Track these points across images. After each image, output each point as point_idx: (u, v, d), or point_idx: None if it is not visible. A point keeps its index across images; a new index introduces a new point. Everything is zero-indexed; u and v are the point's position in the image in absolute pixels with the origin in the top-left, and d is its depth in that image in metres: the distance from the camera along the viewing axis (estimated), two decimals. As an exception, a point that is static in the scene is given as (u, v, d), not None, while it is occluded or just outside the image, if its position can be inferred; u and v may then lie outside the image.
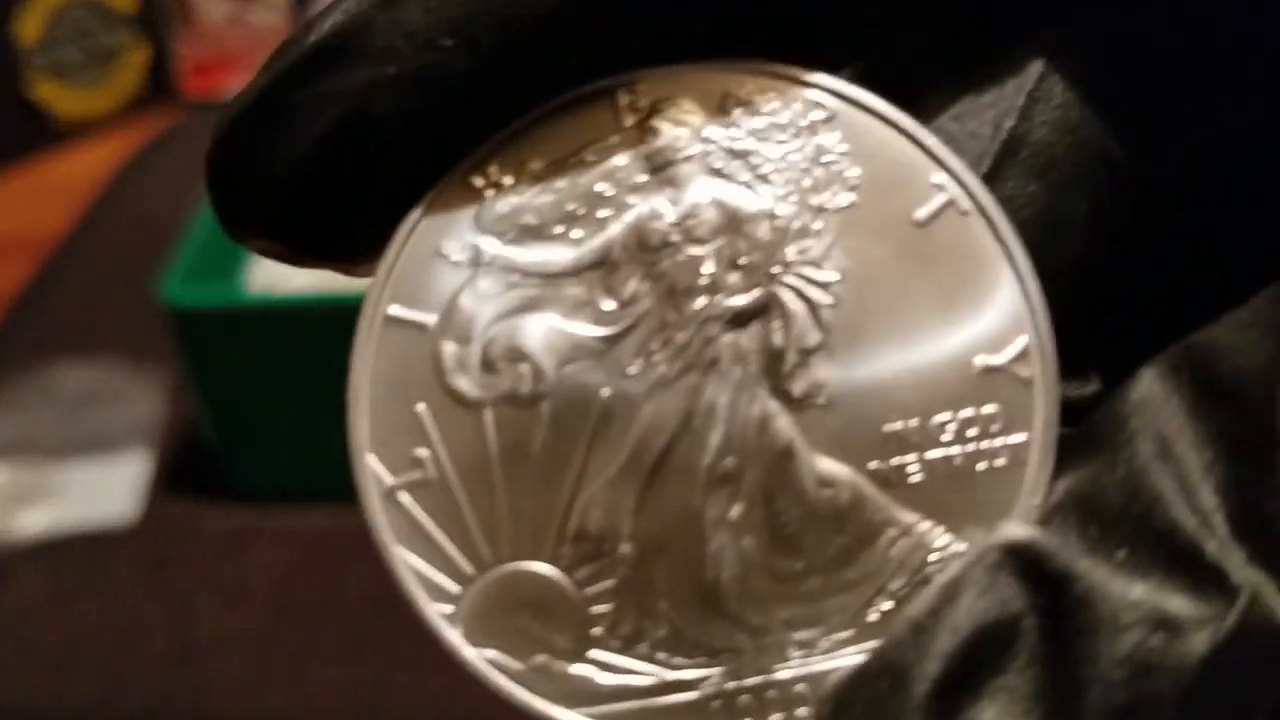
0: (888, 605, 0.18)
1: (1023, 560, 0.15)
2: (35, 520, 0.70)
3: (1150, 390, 0.17)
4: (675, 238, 0.18)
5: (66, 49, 1.06)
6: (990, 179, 0.18)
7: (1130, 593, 0.15)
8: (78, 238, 0.96)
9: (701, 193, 0.18)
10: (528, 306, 0.18)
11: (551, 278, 0.18)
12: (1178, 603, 0.15)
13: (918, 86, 0.19)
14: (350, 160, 0.17)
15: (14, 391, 0.79)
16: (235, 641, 0.63)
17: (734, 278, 0.18)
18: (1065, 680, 0.15)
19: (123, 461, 0.74)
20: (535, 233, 0.18)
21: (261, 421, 0.67)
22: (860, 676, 0.15)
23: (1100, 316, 0.19)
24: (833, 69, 0.18)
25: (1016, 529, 0.16)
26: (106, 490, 0.72)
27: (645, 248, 0.18)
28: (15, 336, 0.85)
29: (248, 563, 0.67)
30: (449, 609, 0.18)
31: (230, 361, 0.67)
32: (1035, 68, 0.19)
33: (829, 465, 0.18)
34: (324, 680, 0.61)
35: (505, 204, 0.18)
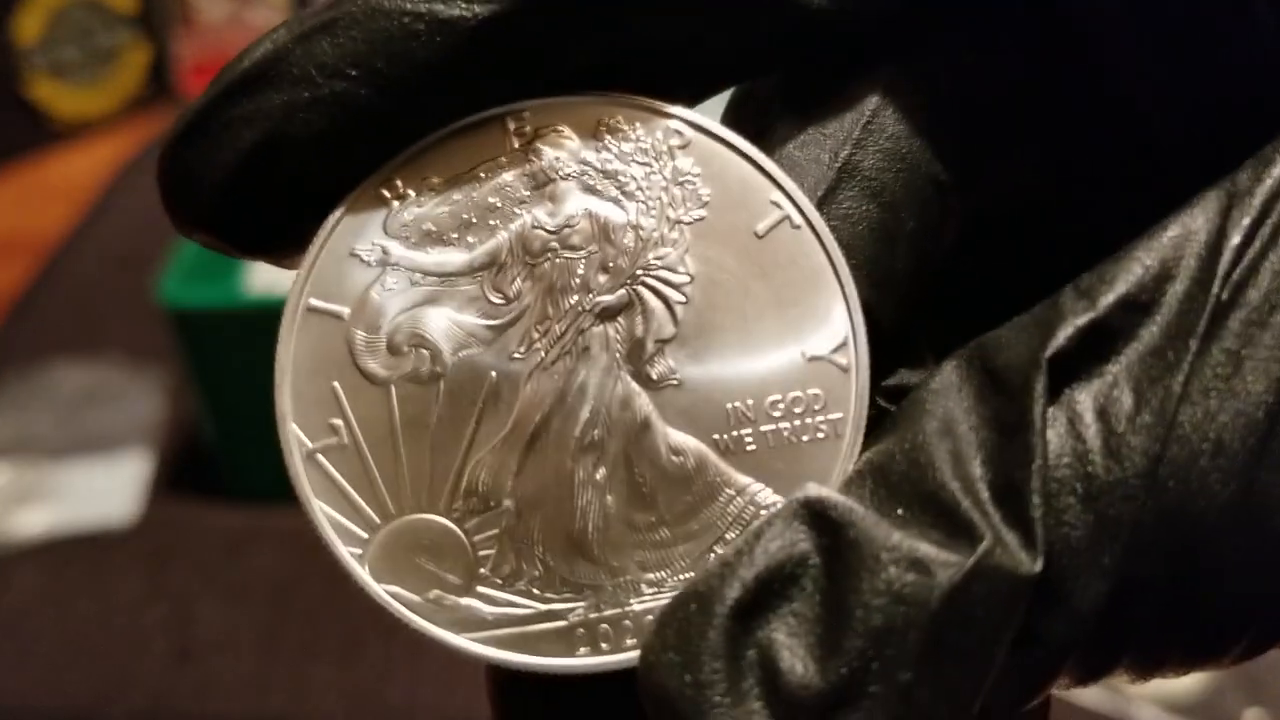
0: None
1: (814, 512, 0.19)
2: (35, 520, 0.73)
3: (948, 378, 0.20)
4: (554, 244, 0.22)
5: (66, 49, 1.08)
6: (827, 199, 0.22)
7: (890, 539, 0.19)
8: (78, 238, 0.99)
9: (577, 206, 0.22)
10: (428, 300, 0.22)
11: (448, 276, 0.22)
12: (928, 549, 0.19)
13: (770, 118, 0.23)
14: (275, 170, 0.21)
15: (14, 391, 0.81)
16: (235, 641, 0.66)
17: (603, 279, 0.22)
18: (838, 607, 0.19)
19: (123, 461, 0.77)
20: (435, 238, 0.22)
21: (261, 421, 0.69)
22: (677, 600, 0.19)
23: (935, 312, 0.23)
24: (691, 102, 0.22)
25: (814, 488, 0.20)
26: (106, 490, 0.75)
27: (529, 252, 0.22)
28: (15, 336, 0.88)
29: (248, 563, 0.70)
30: (359, 551, 0.22)
31: (230, 361, 0.69)
32: (871, 103, 0.23)
33: (679, 436, 0.22)
34: (324, 680, 0.63)
35: (409, 212, 0.22)
